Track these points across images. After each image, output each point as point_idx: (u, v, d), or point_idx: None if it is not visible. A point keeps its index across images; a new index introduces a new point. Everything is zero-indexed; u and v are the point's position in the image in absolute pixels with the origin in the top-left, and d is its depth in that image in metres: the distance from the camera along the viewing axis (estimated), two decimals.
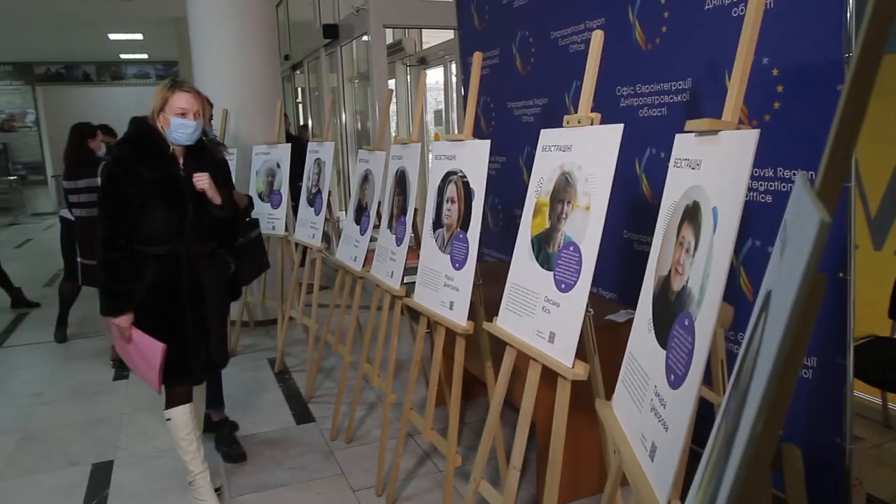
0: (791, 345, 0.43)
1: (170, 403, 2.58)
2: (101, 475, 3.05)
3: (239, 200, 3.17)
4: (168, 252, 2.45)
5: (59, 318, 5.12)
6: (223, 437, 3.23)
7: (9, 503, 2.85)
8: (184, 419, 2.57)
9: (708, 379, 1.25)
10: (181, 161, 2.50)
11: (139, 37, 11.75)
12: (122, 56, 14.37)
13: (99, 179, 4.17)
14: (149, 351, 2.43)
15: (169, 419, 2.58)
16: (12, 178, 13.94)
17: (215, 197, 2.52)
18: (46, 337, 5.17)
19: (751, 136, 1.21)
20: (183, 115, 2.42)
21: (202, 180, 2.47)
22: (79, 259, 4.44)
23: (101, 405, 3.87)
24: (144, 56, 14.38)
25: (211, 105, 3.63)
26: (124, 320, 2.41)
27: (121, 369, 4.41)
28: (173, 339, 2.46)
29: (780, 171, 2.24)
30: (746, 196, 1.22)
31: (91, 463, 3.16)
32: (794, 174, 2.20)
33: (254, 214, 3.79)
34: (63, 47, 12.79)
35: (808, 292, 0.43)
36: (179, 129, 2.43)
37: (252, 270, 3.55)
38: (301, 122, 9.36)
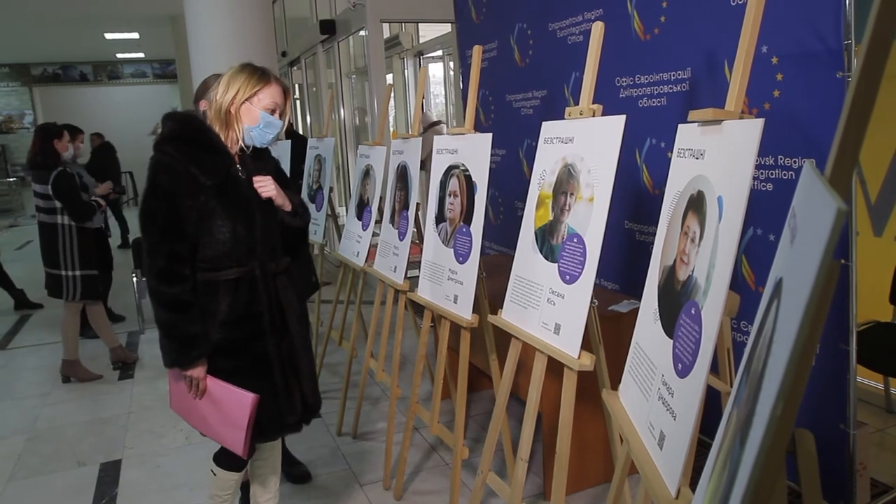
0: (809, 330, 0.44)
1: (222, 461, 2.12)
2: (109, 474, 3.06)
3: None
4: (241, 275, 1.96)
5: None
6: (286, 458, 2.83)
7: None
8: (229, 482, 2.15)
9: (714, 368, 1.26)
10: (237, 161, 2.02)
11: (135, 36, 11.73)
12: (119, 55, 14.37)
13: (50, 187, 3.91)
14: (232, 404, 1.93)
15: (214, 473, 2.15)
16: (11, 179, 13.94)
17: (285, 203, 2.06)
18: (51, 338, 5.18)
19: (755, 126, 1.22)
20: (273, 112, 1.99)
21: (267, 186, 2.00)
22: (44, 268, 4.14)
23: (107, 405, 3.89)
24: (141, 55, 14.37)
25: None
26: (199, 371, 1.91)
27: (125, 369, 4.42)
28: (261, 385, 1.96)
29: (781, 159, 2.25)
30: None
31: (99, 463, 3.17)
32: (795, 162, 2.21)
33: None
34: (59, 48, 12.78)
35: (824, 279, 0.44)
36: (266, 129, 1.99)
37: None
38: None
